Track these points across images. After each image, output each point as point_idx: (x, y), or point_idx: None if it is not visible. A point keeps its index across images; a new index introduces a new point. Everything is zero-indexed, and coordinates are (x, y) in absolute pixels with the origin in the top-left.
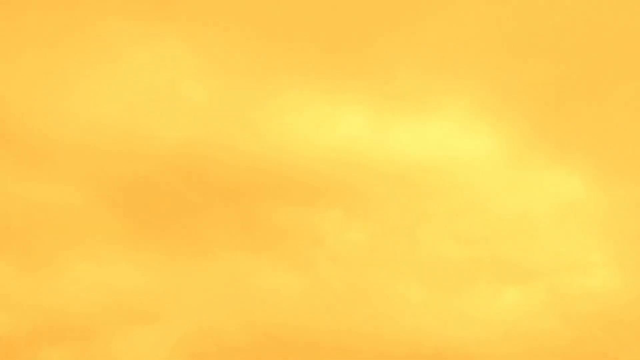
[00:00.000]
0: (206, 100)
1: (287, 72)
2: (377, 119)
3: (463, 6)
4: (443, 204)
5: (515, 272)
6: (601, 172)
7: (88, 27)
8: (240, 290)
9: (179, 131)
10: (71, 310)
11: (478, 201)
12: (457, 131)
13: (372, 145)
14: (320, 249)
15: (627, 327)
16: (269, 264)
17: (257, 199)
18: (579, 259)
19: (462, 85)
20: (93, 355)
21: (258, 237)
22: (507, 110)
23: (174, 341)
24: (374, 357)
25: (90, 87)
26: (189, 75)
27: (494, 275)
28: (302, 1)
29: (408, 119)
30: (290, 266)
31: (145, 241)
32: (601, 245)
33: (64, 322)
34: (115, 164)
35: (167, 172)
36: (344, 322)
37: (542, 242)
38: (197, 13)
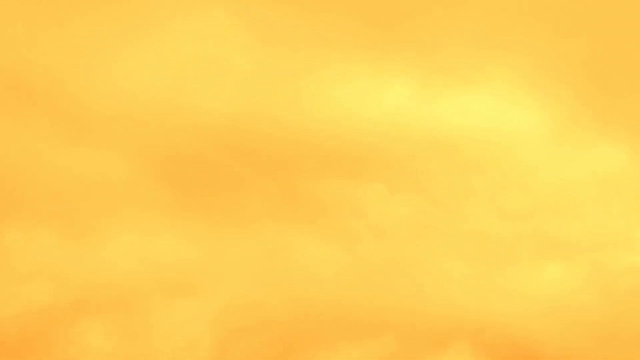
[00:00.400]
0: (251, 73)
1: (333, 44)
2: (422, 91)
3: None
4: (487, 178)
5: (557, 247)
6: None
7: None
8: (281, 263)
9: (223, 103)
10: (112, 281)
11: (522, 175)
12: (502, 104)
13: (416, 117)
14: (362, 222)
15: None
16: (311, 237)
17: (300, 171)
18: (622, 235)
19: (507, 59)
20: (133, 326)
21: (300, 209)
22: (552, 84)
23: (214, 314)
24: (415, 332)
25: (136, 58)
26: (234, 47)
27: (536, 251)
28: None
29: (453, 92)
30: (332, 239)
31: (187, 213)
32: None
33: (106, 293)
34: (159, 135)
35: (211, 143)
36: (385, 297)
37: (586, 218)
38: None
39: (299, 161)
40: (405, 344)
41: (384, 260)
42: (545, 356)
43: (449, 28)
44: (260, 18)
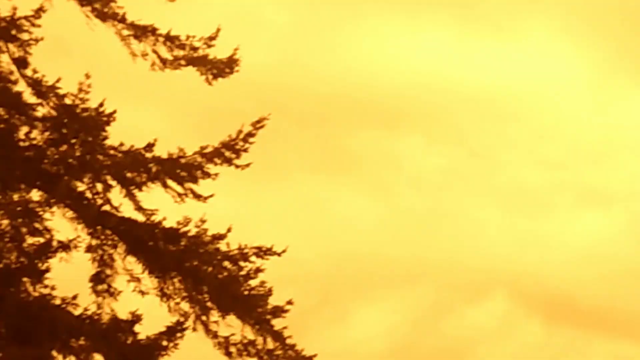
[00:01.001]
0: (288, 25)
1: None
2: (459, 43)
3: None
4: (524, 128)
5: (595, 196)
6: None
7: None
8: (317, 215)
9: (259, 55)
10: None
11: (560, 124)
12: (540, 55)
13: (453, 69)
14: (399, 173)
15: None
16: (348, 189)
17: (337, 123)
18: None
19: (545, 8)
20: None
21: (337, 161)
22: (590, 33)
23: None
24: (452, 282)
25: (172, 13)
26: (270, 0)
27: (574, 200)
28: None
29: (490, 43)
30: (368, 191)
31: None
32: None
33: None
34: (195, 90)
35: (247, 96)
36: (422, 248)
37: (624, 166)
38: None
39: (336, 113)
40: (443, 294)
41: (421, 211)
42: (582, 304)
43: None
44: None
